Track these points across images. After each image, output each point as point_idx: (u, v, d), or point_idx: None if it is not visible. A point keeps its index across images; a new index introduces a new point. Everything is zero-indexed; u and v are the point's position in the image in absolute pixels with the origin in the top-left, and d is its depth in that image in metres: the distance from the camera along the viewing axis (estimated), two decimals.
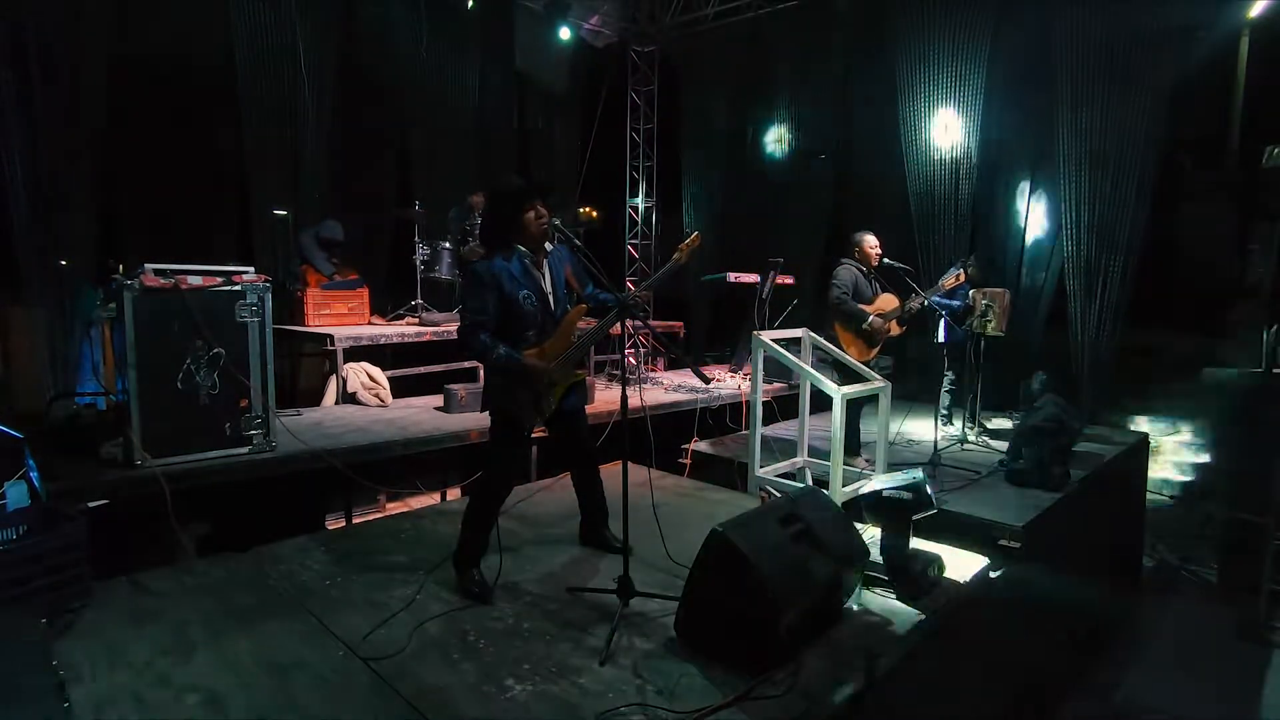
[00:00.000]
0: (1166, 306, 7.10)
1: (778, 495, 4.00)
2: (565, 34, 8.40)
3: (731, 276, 7.48)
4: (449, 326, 6.24)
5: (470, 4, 7.55)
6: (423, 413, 5.31)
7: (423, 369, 6.34)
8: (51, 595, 2.59)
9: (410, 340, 6.15)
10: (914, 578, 2.93)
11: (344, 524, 4.37)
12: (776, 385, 6.54)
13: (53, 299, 5.25)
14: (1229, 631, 4.88)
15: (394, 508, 4.85)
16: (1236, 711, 4.12)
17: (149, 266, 3.63)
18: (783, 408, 6.23)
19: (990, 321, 5.26)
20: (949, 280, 5.05)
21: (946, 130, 7.03)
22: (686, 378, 7.09)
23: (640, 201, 9.09)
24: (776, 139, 9.00)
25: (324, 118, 6.91)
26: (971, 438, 5.54)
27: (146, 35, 5.95)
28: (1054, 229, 6.83)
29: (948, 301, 5.58)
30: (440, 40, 7.77)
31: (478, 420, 4.81)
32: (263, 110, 6.47)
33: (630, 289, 8.15)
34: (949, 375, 5.86)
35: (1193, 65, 6.01)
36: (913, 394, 6.42)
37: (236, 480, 3.83)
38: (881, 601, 2.86)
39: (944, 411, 5.90)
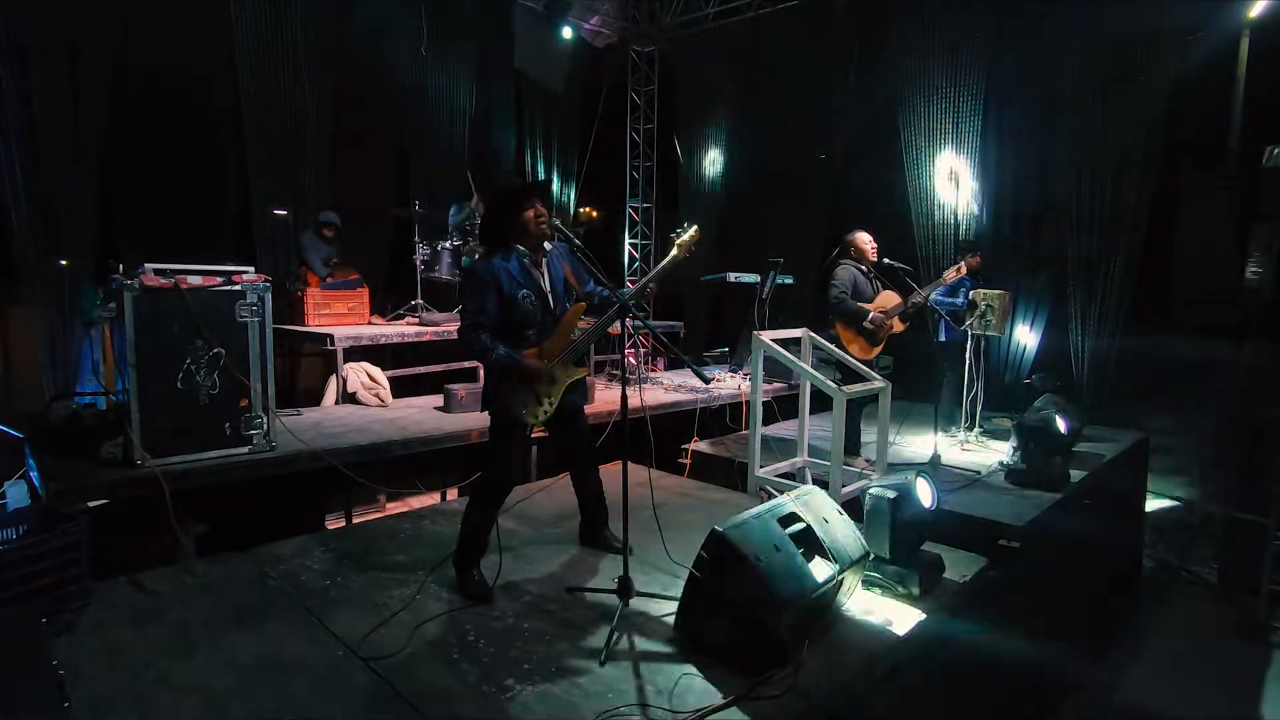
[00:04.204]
0: (1166, 307, 7.10)
1: (778, 495, 4.00)
2: (566, 34, 8.40)
3: (731, 276, 7.48)
4: (449, 326, 6.24)
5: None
6: (423, 413, 5.31)
7: (423, 369, 6.34)
8: (51, 595, 2.59)
9: (410, 340, 6.15)
10: (913, 577, 2.93)
11: (344, 524, 4.37)
12: (776, 385, 6.54)
13: (53, 299, 5.25)
14: (1229, 631, 4.87)
15: (394, 508, 4.85)
16: (1237, 711, 4.12)
17: (149, 266, 3.63)
18: (783, 408, 6.23)
19: (990, 322, 5.27)
20: (950, 274, 5.06)
21: (947, 128, 7.03)
22: (686, 378, 7.08)
23: (640, 201, 9.08)
24: (776, 139, 8.99)
25: (324, 118, 6.91)
26: (971, 438, 5.54)
27: (147, 35, 5.96)
28: (1054, 228, 6.83)
29: (948, 300, 5.57)
30: (440, 40, 7.78)
31: (478, 420, 4.81)
32: (263, 109, 6.48)
33: (630, 288, 8.15)
34: (949, 376, 5.86)
35: (1193, 65, 6.01)
36: (911, 393, 6.41)
37: (236, 480, 3.83)
38: (881, 601, 2.86)
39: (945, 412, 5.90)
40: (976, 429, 5.62)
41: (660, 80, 8.93)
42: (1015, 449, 4.61)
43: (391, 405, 5.59)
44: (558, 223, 2.89)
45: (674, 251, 3.00)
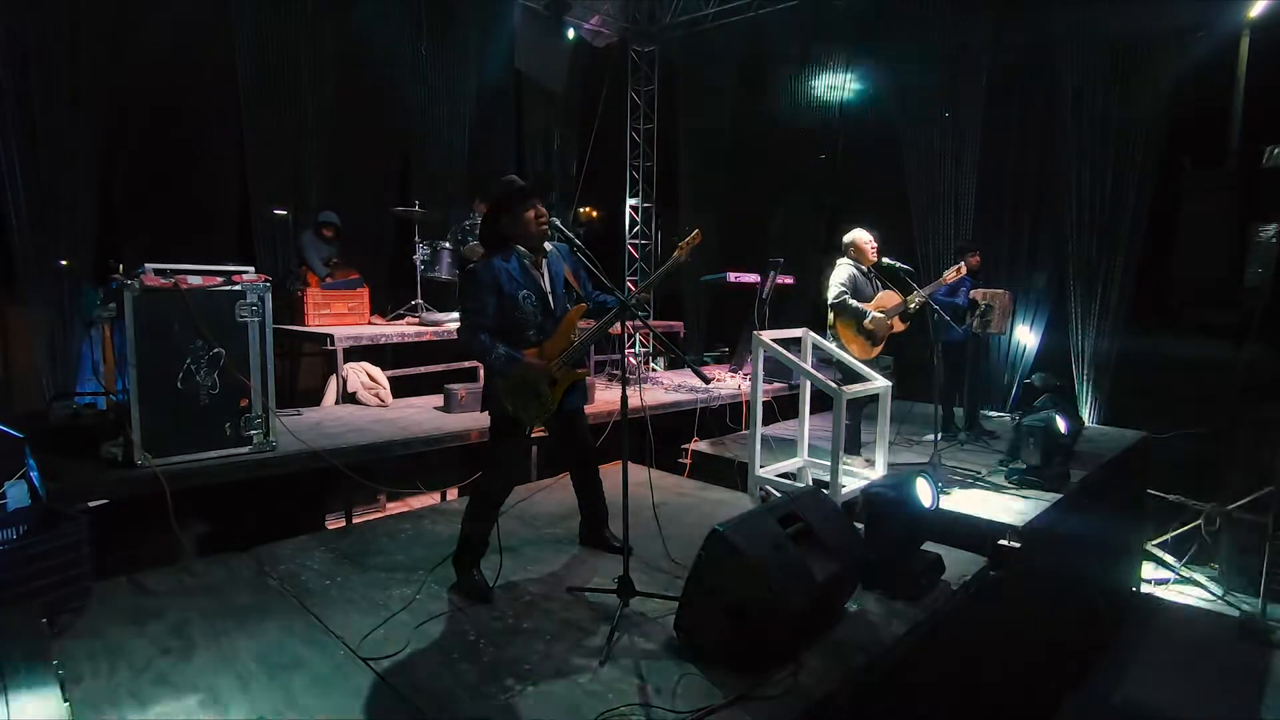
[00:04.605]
0: (1166, 307, 7.10)
1: (778, 495, 4.00)
2: (567, 34, 8.40)
3: (731, 276, 7.48)
4: (449, 326, 6.24)
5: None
6: (423, 413, 5.31)
7: (423, 369, 6.34)
8: (51, 595, 2.59)
9: (410, 340, 6.15)
10: (913, 578, 2.93)
11: (344, 524, 4.37)
12: (776, 385, 6.54)
13: (53, 299, 5.25)
14: (1229, 632, 4.87)
15: (394, 508, 4.85)
16: (1237, 712, 4.12)
17: (149, 266, 3.63)
18: (783, 408, 6.23)
19: (990, 322, 5.27)
20: (950, 274, 5.06)
21: (947, 129, 7.03)
22: (686, 378, 7.08)
23: (640, 201, 9.08)
24: (776, 139, 9.00)
25: (324, 117, 6.91)
26: (970, 438, 5.54)
27: (147, 35, 5.95)
28: (1054, 229, 6.83)
29: (950, 299, 5.57)
30: (440, 40, 7.78)
31: (478, 420, 4.81)
32: (263, 109, 6.48)
33: (631, 289, 8.16)
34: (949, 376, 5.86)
35: (1193, 65, 6.01)
36: (911, 393, 6.41)
37: (236, 480, 3.83)
38: (881, 601, 2.86)
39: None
40: (976, 429, 5.62)
41: (660, 80, 8.92)
42: (1015, 449, 4.62)
43: (391, 405, 5.59)
44: (558, 222, 2.89)
45: (674, 254, 3.02)
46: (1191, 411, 6.72)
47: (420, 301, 6.75)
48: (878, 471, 4.26)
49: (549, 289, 2.94)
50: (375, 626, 2.60)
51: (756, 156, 9.19)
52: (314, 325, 6.11)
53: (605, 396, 5.49)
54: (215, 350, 3.77)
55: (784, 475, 4.48)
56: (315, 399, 5.72)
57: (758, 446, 4.37)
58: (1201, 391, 6.46)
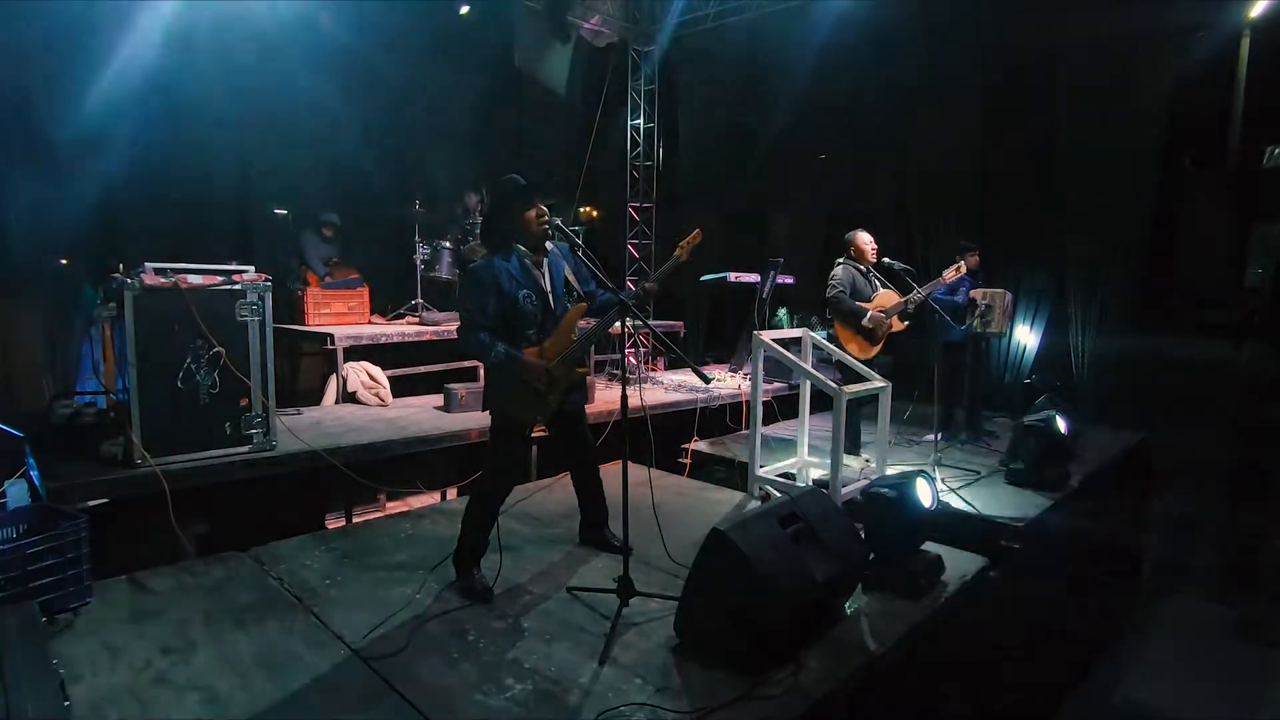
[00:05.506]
0: (1166, 307, 7.09)
1: (778, 495, 4.00)
2: (568, 33, 8.40)
3: (731, 276, 7.48)
4: (449, 326, 6.24)
5: (464, 11, 7.55)
6: (423, 412, 5.31)
7: (423, 368, 6.34)
8: (51, 595, 2.59)
9: (410, 340, 6.15)
10: (913, 578, 2.93)
11: (344, 524, 4.37)
12: (776, 385, 6.54)
13: (53, 299, 5.25)
14: (1229, 631, 4.87)
15: (394, 507, 4.84)
16: (1237, 712, 4.12)
17: (149, 266, 3.63)
18: (783, 408, 6.22)
19: (990, 321, 5.26)
20: (949, 273, 5.06)
21: (947, 128, 7.03)
22: (687, 377, 7.08)
23: (640, 201, 9.07)
24: (776, 139, 8.99)
25: (327, 118, 6.91)
26: (970, 438, 5.54)
27: (146, 34, 5.94)
28: (1054, 229, 6.82)
29: (949, 299, 5.56)
30: (440, 39, 7.77)
31: (478, 420, 4.81)
32: (264, 109, 6.48)
33: (631, 288, 8.14)
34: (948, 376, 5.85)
35: (1193, 65, 6.01)
36: (911, 392, 6.41)
37: (236, 480, 3.83)
38: (881, 601, 2.86)
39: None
40: (976, 429, 5.62)
41: (660, 80, 8.92)
42: (1015, 449, 4.61)
43: (391, 405, 5.59)
44: (559, 222, 2.89)
45: (675, 253, 3.02)
46: (1191, 411, 6.71)
47: (420, 301, 6.75)
48: (878, 471, 4.26)
49: (550, 289, 2.94)
50: (375, 626, 2.61)
51: (757, 156, 9.18)
52: (314, 325, 6.11)
53: (605, 396, 5.49)
54: (215, 350, 3.77)
55: (784, 475, 4.48)
56: (315, 398, 5.72)
57: (758, 446, 4.37)
58: (1201, 391, 6.45)
